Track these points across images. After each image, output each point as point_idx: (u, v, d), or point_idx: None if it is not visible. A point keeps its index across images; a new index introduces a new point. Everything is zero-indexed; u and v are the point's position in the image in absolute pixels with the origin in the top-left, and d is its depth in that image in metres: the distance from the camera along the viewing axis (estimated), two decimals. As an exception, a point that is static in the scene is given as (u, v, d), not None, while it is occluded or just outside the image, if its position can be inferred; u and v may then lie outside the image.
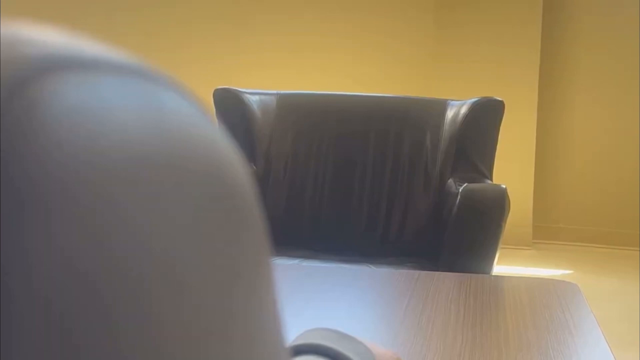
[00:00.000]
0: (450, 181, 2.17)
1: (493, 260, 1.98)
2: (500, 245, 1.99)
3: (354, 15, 4.52)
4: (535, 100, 4.38)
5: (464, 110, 2.37)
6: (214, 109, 2.45)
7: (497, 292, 1.52)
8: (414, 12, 4.48)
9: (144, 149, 0.21)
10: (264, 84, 3.29)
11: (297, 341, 0.63)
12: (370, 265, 2.06)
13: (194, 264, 0.21)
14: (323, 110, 2.42)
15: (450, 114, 2.42)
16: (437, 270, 1.69)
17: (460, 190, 1.95)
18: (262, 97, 2.51)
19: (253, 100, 2.46)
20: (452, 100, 2.49)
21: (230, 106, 2.41)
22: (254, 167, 2.31)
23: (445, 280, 1.54)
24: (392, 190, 2.31)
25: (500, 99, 2.37)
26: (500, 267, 3.74)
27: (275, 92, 2.55)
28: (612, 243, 4.42)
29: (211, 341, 0.22)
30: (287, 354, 0.27)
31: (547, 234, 4.54)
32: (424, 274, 1.61)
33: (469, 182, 2.13)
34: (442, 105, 2.45)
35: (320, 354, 0.60)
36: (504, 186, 2.07)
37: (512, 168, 3.95)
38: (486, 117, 2.36)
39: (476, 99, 2.38)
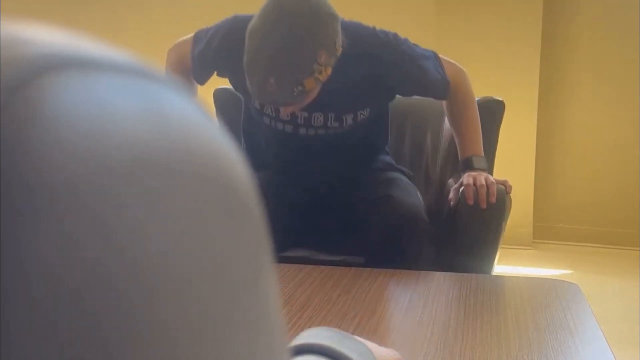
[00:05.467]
0: (451, 181, 2.17)
1: (493, 260, 1.98)
2: (500, 245, 1.99)
3: (354, 15, 4.52)
4: (535, 100, 4.38)
5: (464, 110, 2.37)
6: (214, 109, 2.45)
7: (497, 292, 1.52)
8: (415, 11, 4.48)
9: (145, 150, 0.21)
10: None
11: (297, 341, 0.63)
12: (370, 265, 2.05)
13: (195, 264, 0.21)
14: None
15: (450, 113, 2.41)
16: (437, 270, 1.69)
17: (460, 190, 1.95)
18: (262, 97, 2.51)
19: (253, 100, 2.46)
20: (452, 100, 2.49)
21: (230, 106, 2.41)
22: (254, 167, 2.30)
23: (445, 280, 1.54)
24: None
25: (500, 99, 2.37)
26: (500, 267, 3.74)
27: (275, 92, 2.54)
28: (612, 243, 4.42)
29: (211, 340, 0.22)
30: (288, 354, 0.27)
31: (547, 234, 4.54)
32: (424, 274, 1.61)
33: (469, 182, 2.13)
34: (442, 105, 2.45)
35: (321, 354, 0.60)
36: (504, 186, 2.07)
37: (512, 168, 3.95)
38: (486, 117, 2.36)
39: (476, 99, 2.38)
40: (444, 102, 2.08)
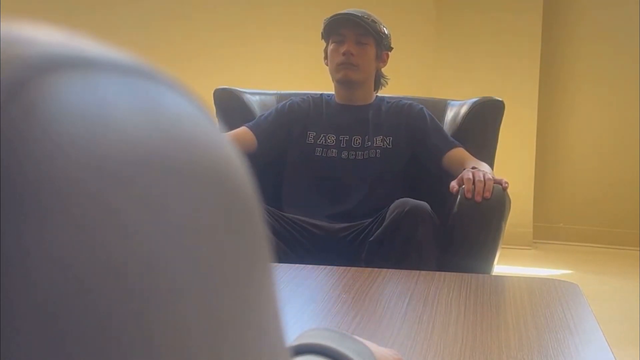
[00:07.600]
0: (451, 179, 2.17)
1: (493, 260, 1.98)
2: (500, 245, 1.99)
3: (354, 15, 4.52)
4: (535, 100, 4.38)
5: (464, 110, 2.37)
6: (214, 109, 2.45)
7: (497, 292, 1.52)
8: (415, 12, 4.48)
9: (144, 151, 0.21)
10: (264, 83, 3.29)
11: (297, 341, 0.63)
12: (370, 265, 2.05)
13: (192, 267, 0.21)
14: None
15: (450, 114, 2.42)
16: (437, 270, 1.69)
17: (460, 190, 1.95)
18: (262, 97, 2.51)
19: (253, 100, 2.46)
20: (452, 100, 2.49)
21: (230, 106, 2.41)
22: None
23: (445, 280, 1.54)
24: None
25: (500, 99, 2.37)
26: (500, 267, 3.74)
27: (275, 92, 2.55)
28: (612, 243, 4.42)
29: (211, 342, 0.22)
30: (288, 354, 0.27)
31: (547, 234, 4.54)
32: (424, 273, 1.61)
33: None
34: (442, 106, 2.45)
35: (321, 354, 0.60)
36: (504, 186, 2.06)
37: (512, 168, 3.95)
38: (486, 117, 2.36)
39: (476, 99, 2.38)
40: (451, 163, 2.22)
